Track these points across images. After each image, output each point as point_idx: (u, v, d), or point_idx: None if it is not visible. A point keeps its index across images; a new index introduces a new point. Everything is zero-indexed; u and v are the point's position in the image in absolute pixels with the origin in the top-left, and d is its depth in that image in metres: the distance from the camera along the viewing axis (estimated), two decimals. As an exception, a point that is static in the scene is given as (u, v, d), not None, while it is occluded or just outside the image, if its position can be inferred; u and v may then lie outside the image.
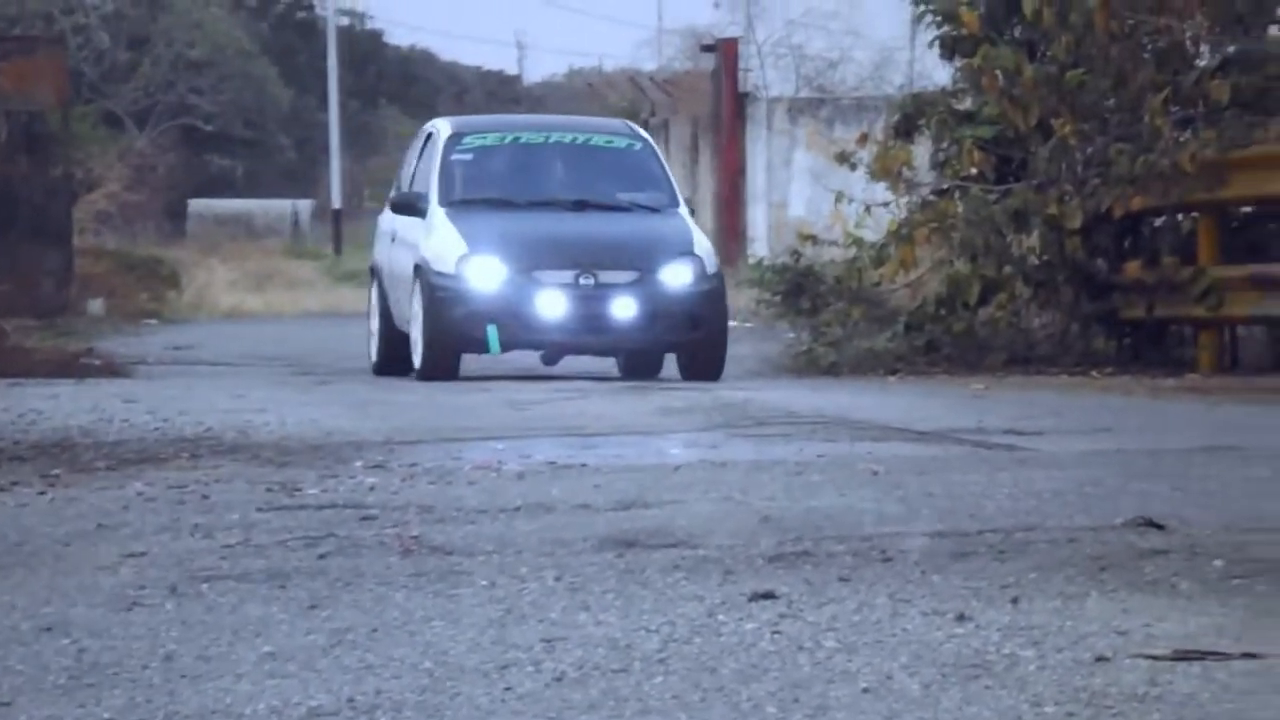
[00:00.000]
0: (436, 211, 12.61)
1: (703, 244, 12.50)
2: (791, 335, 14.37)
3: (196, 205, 37.99)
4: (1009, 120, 13.36)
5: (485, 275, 12.10)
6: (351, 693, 3.24)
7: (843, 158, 14.50)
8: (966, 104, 14.25)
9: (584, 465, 6.50)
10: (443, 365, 12.13)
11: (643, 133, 13.51)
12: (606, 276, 12.08)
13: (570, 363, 12.77)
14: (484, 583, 4.13)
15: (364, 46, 45.08)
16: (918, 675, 3.23)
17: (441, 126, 13.37)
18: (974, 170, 13.74)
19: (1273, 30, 13.26)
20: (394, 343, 12.86)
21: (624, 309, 12.04)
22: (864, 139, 14.47)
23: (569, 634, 3.60)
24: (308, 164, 42.41)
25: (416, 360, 12.29)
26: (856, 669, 3.29)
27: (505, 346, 12.05)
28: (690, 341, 12.21)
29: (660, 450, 7.39)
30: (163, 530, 4.93)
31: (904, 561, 4.23)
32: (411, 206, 12.91)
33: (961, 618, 3.61)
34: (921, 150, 14.44)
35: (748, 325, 17.07)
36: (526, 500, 5.45)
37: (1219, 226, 13.25)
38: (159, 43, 39.57)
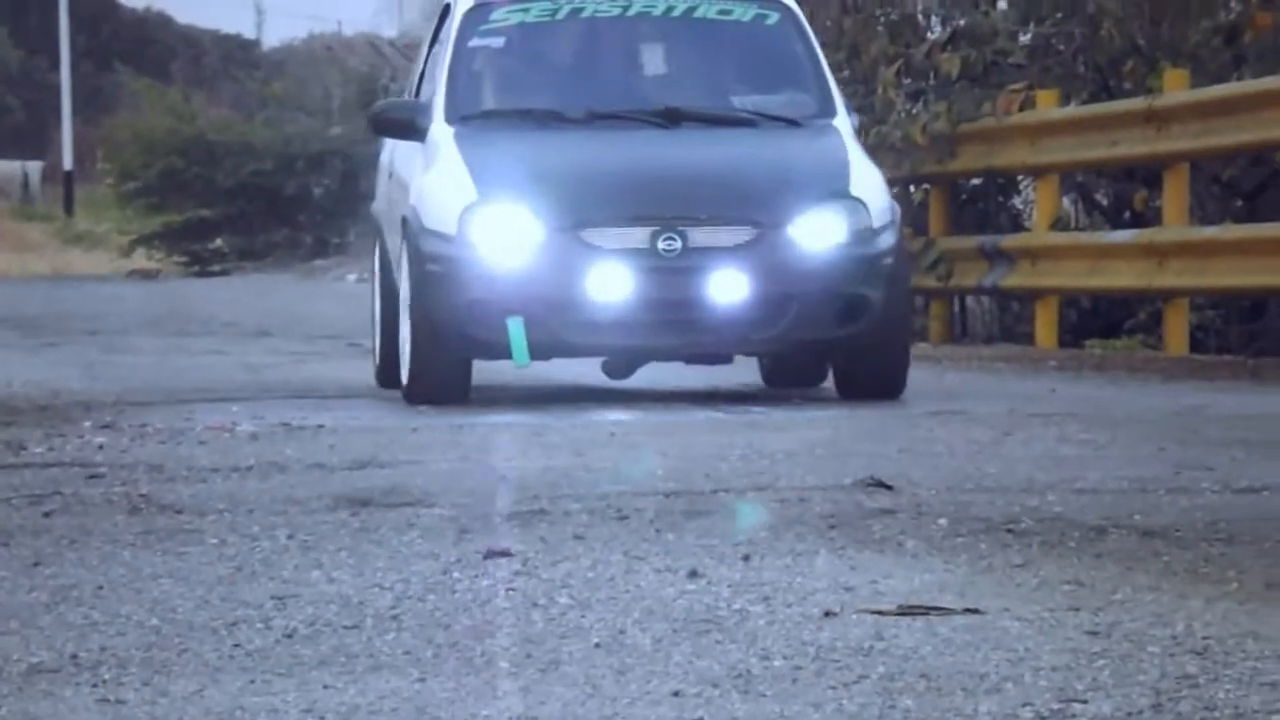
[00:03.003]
0: (441, 132, 7.65)
1: (868, 179, 7.52)
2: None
3: (-78, 165, 36.99)
4: (748, 90, 13.45)
5: (505, 237, 7.25)
6: (75, 649, 3.18)
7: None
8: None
9: (320, 426, 6.45)
10: (440, 379, 7.43)
11: None
12: (702, 236, 7.25)
13: (659, 370, 8.26)
14: (214, 541, 4.08)
15: (97, 7, 44.16)
16: (649, 630, 3.26)
17: None
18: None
19: (1000, 5, 13.55)
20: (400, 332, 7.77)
21: (730, 289, 7.23)
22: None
23: (301, 591, 3.57)
24: (38, 125, 41.45)
25: (403, 369, 7.57)
26: (590, 624, 3.31)
27: (538, 353, 7.30)
28: (847, 340, 7.34)
29: (397, 411, 7.35)
30: (-119, 490, 4.80)
31: (639, 520, 4.27)
32: (405, 123, 7.85)
33: (694, 574, 3.65)
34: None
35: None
36: (259, 460, 5.40)
37: (949, 198, 13.52)
38: (-118, -4, 38.45)
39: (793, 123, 7.79)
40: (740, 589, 3.54)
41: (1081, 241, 12.12)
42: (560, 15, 7.95)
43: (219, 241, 29.29)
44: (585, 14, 7.96)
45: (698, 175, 7.49)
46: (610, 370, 8.18)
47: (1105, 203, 13.37)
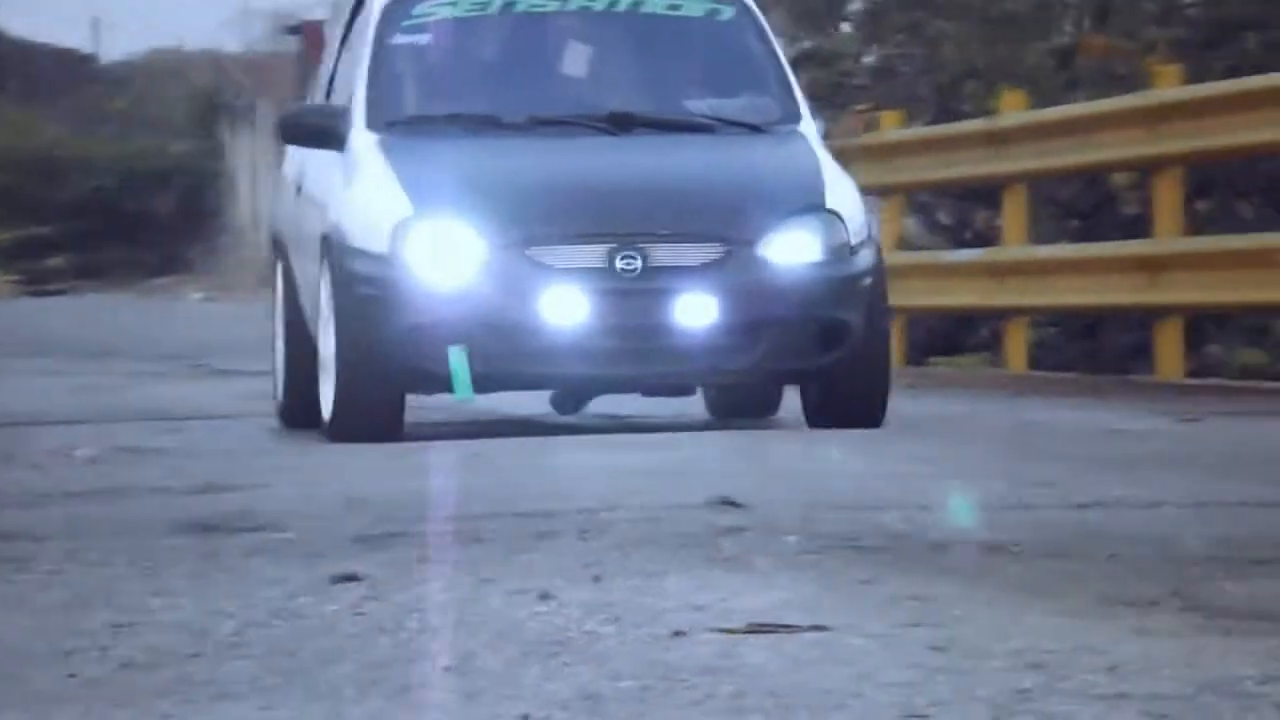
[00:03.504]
0: (363, 140, 6.96)
1: (843, 191, 6.91)
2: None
3: None
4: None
5: (444, 256, 6.63)
6: (-99, 684, 3.11)
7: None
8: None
9: (163, 449, 6.37)
10: (370, 415, 6.73)
11: None
12: (664, 254, 6.62)
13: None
14: (49, 568, 4.01)
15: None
16: (499, 653, 3.24)
17: None
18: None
19: (844, 27, 13.68)
20: (310, 367, 7.10)
21: (696, 314, 6.63)
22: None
23: (140, 619, 3.52)
24: None
25: (326, 405, 6.86)
26: (439, 649, 3.29)
27: (482, 385, 6.65)
28: (826, 368, 6.77)
29: (245, 434, 7.27)
30: None
31: (490, 541, 4.25)
32: (320, 131, 7.10)
33: (544, 596, 3.64)
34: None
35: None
36: (100, 484, 5.31)
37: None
38: None
39: (754, 128, 7.08)
40: (591, 610, 3.53)
41: (925, 261, 12.24)
42: (492, 9, 7.17)
43: (57, 260, 28.89)
44: (520, 8, 7.16)
45: (657, 186, 6.79)
46: (559, 404, 7.39)
47: (948, 223, 13.51)
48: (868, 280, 6.81)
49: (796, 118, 7.14)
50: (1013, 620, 3.39)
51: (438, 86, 7.17)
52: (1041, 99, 11.80)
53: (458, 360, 6.55)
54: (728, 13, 7.27)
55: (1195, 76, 10.59)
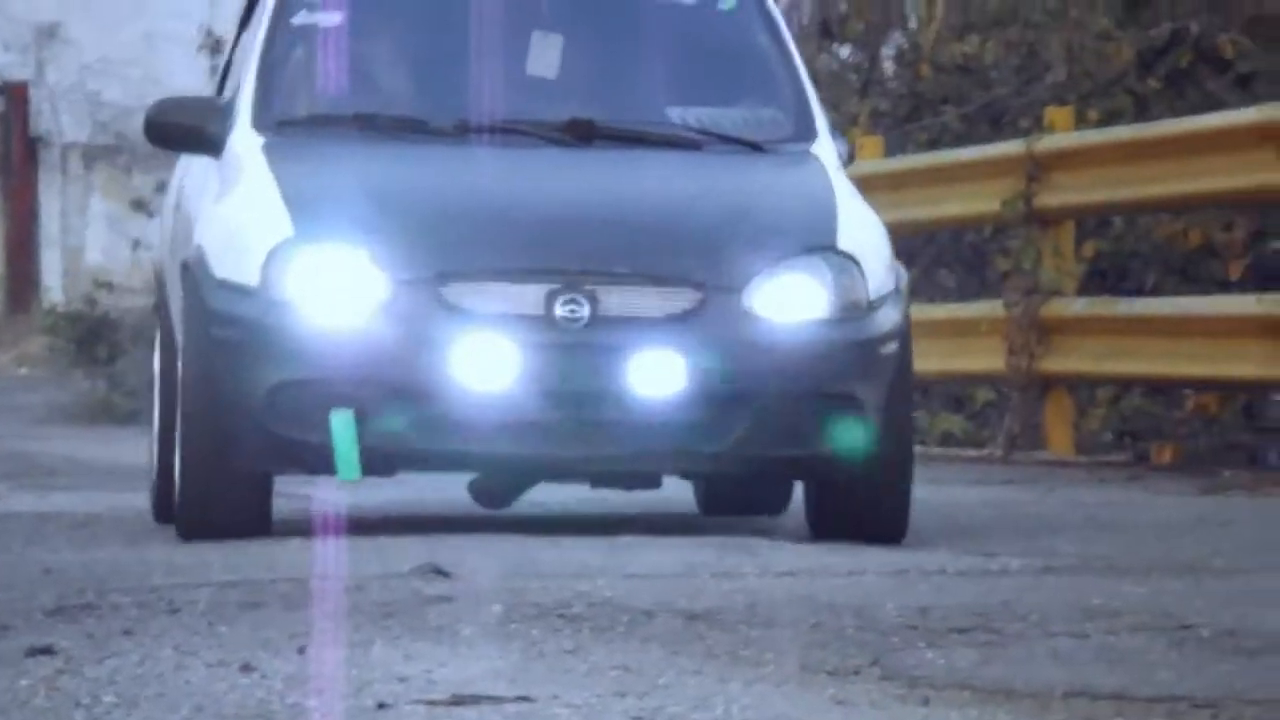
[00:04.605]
0: (245, 142, 5.54)
1: (863, 229, 5.45)
2: (87, 384, 14.06)
3: None
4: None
5: (333, 291, 5.18)
6: None
7: (139, 205, 14.35)
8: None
9: None
10: (228, 503, 5.32)
11: None
12: (621, 301, 5.20)
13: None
14: None
15: None
16: (199, 728, 3.20)
17: None
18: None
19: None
20: None
21: (659, 379, 5.18)
22: (164, 186, 14.35)
23: None
24: None
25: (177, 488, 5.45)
26: (136, 723, 3.23)
27: (375, 464, 5.23)
28: (825, 462, 5.26)
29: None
30: None
31: (191, 613, 4.18)
32: (191, 131, 5.62)
33: (247, 668, 3.59)
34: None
35: (38, 373, 16.61)
36: None
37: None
38: None
39: (754, 147, 5.54)
40: (294, 682, 3.49)
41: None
42: None
43: None
44: None
45: (615, 213, 5.26)
46: (480, 493, 5.73)
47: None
48: (891, 346, 5.25)
49: (810, 135, 5.63)
50: (715, 689, 3.42)
51: (347, 78, 5.63)
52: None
53: (342, 430, 5.04)
54: (730, 1, 5.75)
55: (896, 149, 10.84)
